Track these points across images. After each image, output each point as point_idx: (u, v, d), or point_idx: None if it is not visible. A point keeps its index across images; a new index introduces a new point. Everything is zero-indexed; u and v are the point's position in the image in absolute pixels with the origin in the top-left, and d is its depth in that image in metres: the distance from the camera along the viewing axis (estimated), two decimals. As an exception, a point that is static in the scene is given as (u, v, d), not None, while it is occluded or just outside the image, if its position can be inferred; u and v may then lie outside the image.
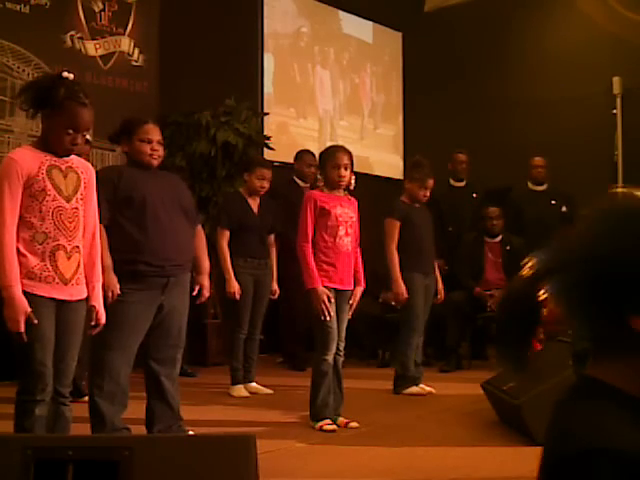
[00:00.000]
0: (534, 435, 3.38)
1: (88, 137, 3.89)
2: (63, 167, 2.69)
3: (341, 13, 8.41)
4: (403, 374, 5.02)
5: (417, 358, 5.11)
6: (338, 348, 3.99)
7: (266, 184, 5.11)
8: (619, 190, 1.02)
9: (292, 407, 4.40)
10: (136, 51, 6.42)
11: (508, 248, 6.30)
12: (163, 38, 6.53)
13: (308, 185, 5.99)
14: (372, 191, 7.12)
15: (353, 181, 4.08)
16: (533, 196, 6.76)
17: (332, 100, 8.35)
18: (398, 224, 4.96)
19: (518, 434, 3.62)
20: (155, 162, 3.41)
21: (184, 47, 6.65)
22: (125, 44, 6.36)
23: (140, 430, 3.39)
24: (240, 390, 4.98)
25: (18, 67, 5.63)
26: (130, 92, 6.34)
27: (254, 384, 5.11)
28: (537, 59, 7.82)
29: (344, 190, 4.07)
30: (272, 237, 5.25)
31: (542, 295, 1.01)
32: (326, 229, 3.94)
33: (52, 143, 2.67)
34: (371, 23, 8.73)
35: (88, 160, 4.04)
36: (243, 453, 1.68)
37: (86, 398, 3.51)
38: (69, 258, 2.68)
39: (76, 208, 2.71)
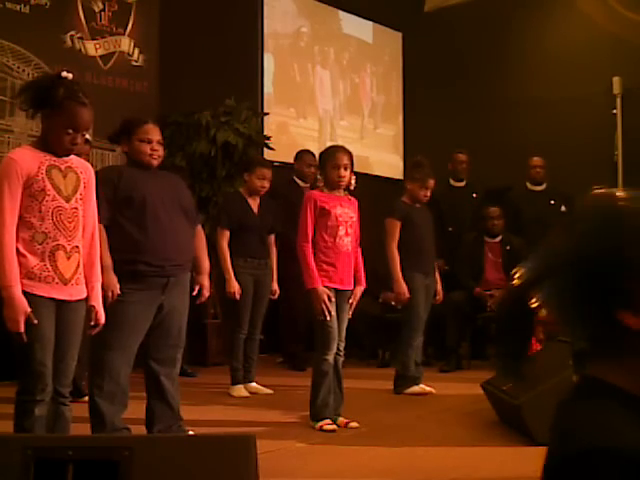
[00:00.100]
0: (534, 435, 3.38)
1: (88, 137, 3.89)
2: (62, 167, 2.69)
3: (341, 13, 8.41)
4: (404, 374, 5.02)
5: (417, 358, 5.11)
6: (338, 348, 3.99)
7: (266, 184, 5.11)
8: (599, 191, 1.04)
9: (292, 407, 4.40)
10: (136, 51, 6.42)
11: (508, 248, 6.30)
12: (163, 38, 6.53)
13: (308, 185, 5.99)
14: (372, 191, 7.12)
15: (353, 181, 4.08)
16: (532, 196, 6.76)
17: (332, 100, 8.35)
18: (399, 224, 4.96)
19: (518, 434, 3.62)
20: (155, 162, 3.41)
21: (184, 47, 6.65)
22: (125, 44, 6.36)
23: (140, 430, 3.39)
24: (240, 390, 4.98)
25: (18, 67, 5.63)
26: (130, 92, 6.34)
27: (254, 384, 5.11)
28: (537, 59, 7.82)
29: (344, 190, 4.07)
30: (272, 237, 5.24)
31: (534, 303, 1.02)
32: (326, 229, 3.95)
33: (52, 143, 2.67)
34: (371, 23, 8.73)
35: (88, 160, 4.05)
36: (243, 453, 1.68)
37: (86, 398, 3.51)
38: (69, 258, 2.68)
39: (75, 208, 2.71)
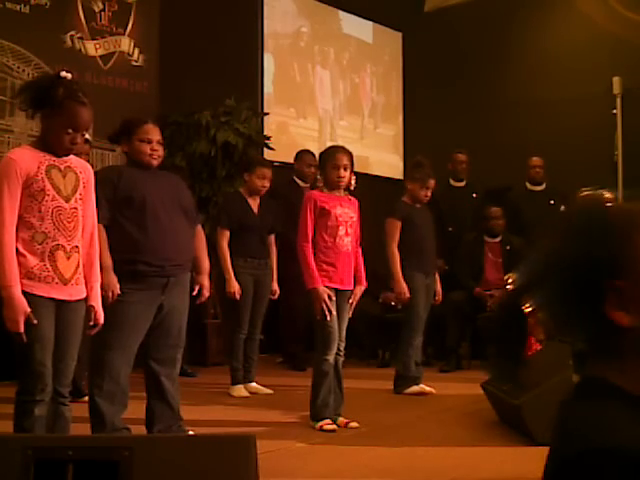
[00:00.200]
0: (534, 435, 3.38)
1: (88, 137, 3.89)
2: (62, 167, 2.69)
3: (341, 13, 8.41)
4: (404, 374, 5.02)
5: (417, 358, 5.11)
6: (338, 348, 3.99)
7: (267, 183, 5.11)
8: (587, 193, 1.05)
9: (292, 407, 4.40)
10: (136, 51, 6.42)
11: (508, 248, 6.30)
12: (163, 38, 6.53)
13: (308, 185, 5.99)
14: (372, 191, 7.12)
15: (353, 181, 4.08)
16: (532, 196, 6.76)
17: (332, 100, 8.35)
18: (399, 224, 4.96)
19: (518, 434, 3.62)
20: (155, 162, 3.41)
21: (184, 47, 6.65)
22: (125, 44, 6.36)
23: (140, 430, 3.39)
24: (240, 390, 4.98)
25: (18, 67, 5.63)
26: (130, 92, 6.34)
27: (254, 384, 5.11)
28: (537, 59, 7.81)
29: (344, 190, 4.07)
30: (272, 237, 5.24)
31: (528, 307, 1.03)
32: (326, 229, 3.95)
33: (51, 143, 2.67)
34: (371, 23, 8.73)
35: (88, 160, 4.05)
36: (243, 453, 1.68)
37: (86, 398, 3.51)
38: (68, 258, 2.68)
39: (75, 208, 2.70)
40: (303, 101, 8.04)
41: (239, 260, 4.99)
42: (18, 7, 5.64)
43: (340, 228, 3.96)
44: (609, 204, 0.99)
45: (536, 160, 6.84)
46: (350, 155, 4.02)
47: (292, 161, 6.44)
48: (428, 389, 5.00)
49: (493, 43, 8.02)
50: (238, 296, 4.92)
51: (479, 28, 8.08)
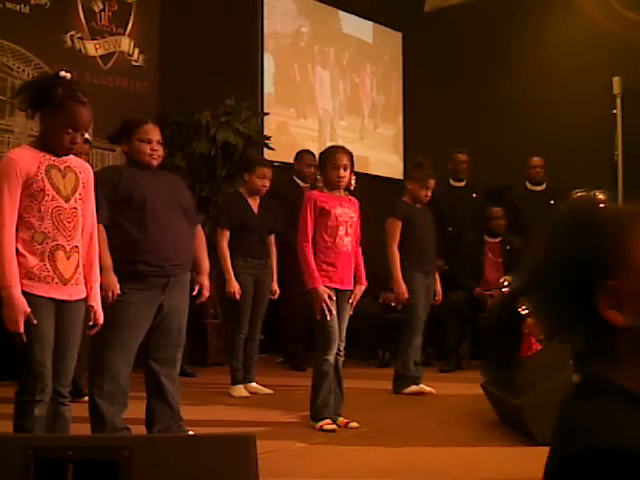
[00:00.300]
0: (534, 435, 3.38)
1: (87, 137, 3.88)
2: (62, 167, 2.69)
3: (341, 13, 8.41)
4: (403, 374, 5.02)
5: (417, 358, 5.12)
6: (338, 348, 3.99)
7: (267, 183, 5.11)
8: (580, 194, 1.06)
9: (292, 407, 4.40)
10: (136, 51, 6.42)
11: (508, 248, 6.30)
12: (163, 38, 6.53)
13: (308, 185, 5.99)
14: (372, 191, 7.12)
15: (353, 181, 4.08)
16: (532, 196, 6.75)
17: (332, 100, 8.35)
18: (400, 224, 4.96)
19: (518, 434, 3.62)
20: (155, 162, 3.41)
21: (184, 47, 6.65)
22: (125, 44, 6.36)
23: (140, 430, 3.39)
24: (240, 390, 4.98)
25: (18, 67, 5.63)
26: (130, 92, 6.34)
27: (254, 384, 5.11)
28: (537, 59, 7.81)
29: (345, 190, 4.07)
30: (272, 237, 5.24)
31: (523, 310, 1.03)
32: (326, 229, 3.94)
33: (51, 143, 2.67)
34: (371, 23, 8.72)
35: (88, 160, 4.05)
36: (243, 453, 1.68)
37: (86, 398, 3.51)
38: (68, 258, 2.68)
39: (75, 208, 2.70)
40: (303, 101, 8.04)
41: (239, 260, 4.99)
42: (18, 7, 5.64)
43: (340, 228, 3.96)
44: (601, 205, 0.99)
45: (537, 160, 6.84)
46: (350, 155, 4.02)
47: (292, 161, 6.44)
48: (428, 389, 5.01)
49: (493, 43, 8.02)
50: (238, 296, 4.92)
51: (479, 28, 8.08)
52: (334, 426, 3.87)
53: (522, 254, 5.85)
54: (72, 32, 5.99)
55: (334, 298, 3.93)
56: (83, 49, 6.07)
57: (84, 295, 2.77)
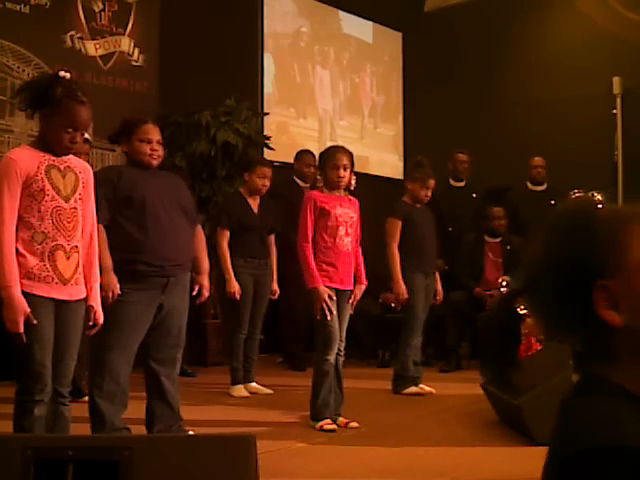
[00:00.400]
0: (534, 435, 3.38)
1: (87, 137, 3.88)
2: (61, 167, 2.69)
3: (341, 13, 8.41)
4: (402, 374, 5.02)
5: (416, 358, 5.12)
6: (339, 348, 3.99)
7: (267, 182, 5.11)
8: (578, 196, 1.06)
9: (292, 407, 4.40)
10: (136, 51, 6.42)
11: (508, 248, 6.30)
12: (163, 38, 6.53)
13: (308, 185, 6.00)
14: (372, 191, 7.12)
15: (353, 181, 4.08)
16: (533, 196, 6.75)
17: (332, 100, 8.35)
18: (400, 224, 4.97)
19: (518, 434, 3.62)
20: (155, 162, 3.41)
21: (184, 47, 6.65)
22: (125, 44, 6.36)
23: (140, 430, 3.39)
24: (240, 390, 4.98)
25: (18, 67, 5.63)
26: (130, 92, 6.34)
27: (254, 384, 5.11)
28: (537, 59, 7.81)
29: (345, 190, 4.07)
30: (272, 237, 5.24)
31: (521, 310, 1.03)
32: (326, 229, 3.94)
33: (51, 142, 2.67)
34: (371, 23, 8.72)
35: (88, 160, 4.05)
36: (243, 453, 1.68)
37: (86, 398, 3.51)
38: (68, 258, 2.68)
39: (75, 208, 2.70)
40: (303, 101, 8.04)
41: (239, 260, 4.99)
42: (18, 7, 5.64)
43: (340, 228, 3.96)
44: (598, 206, 1.00)
45: (538, 160, 6.84)
46: (350, 155, 4.02)
47: (292, 161, 6.44)
48: (428, 389, 5.01)
49: (493, 43, 8.02)
50: (238, 296, 4.92)
51: (479, 28, 8.08)
52: (334, 426, 3.87)
53: (522, 254, 5.85)
54: (72, 32, 5.99)
55: (334, 298, 3.93)
56: (83, 49, 6.07)
57: (84, 295, 2.77)
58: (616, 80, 7.35)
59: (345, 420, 3.96)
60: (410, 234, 4.96)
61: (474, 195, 6.93)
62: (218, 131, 6.23)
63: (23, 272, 2.58)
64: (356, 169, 4.12)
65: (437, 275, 5.29)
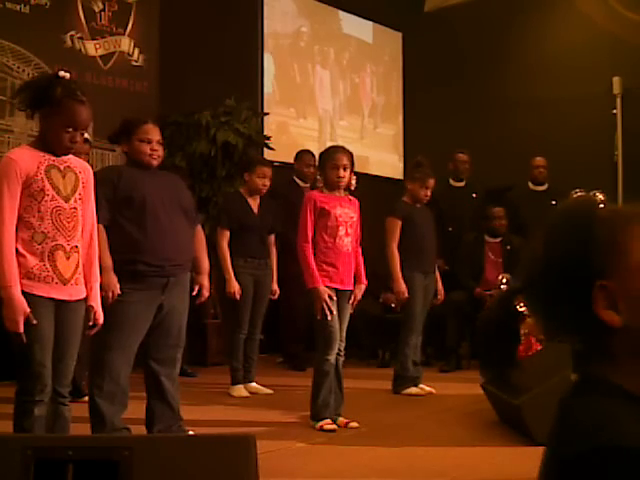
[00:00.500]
0: (534, 435, 3.38)
1: (87, 136, 3.87)
2: (61, 167, 2.69)
3: (341, 13, 8.41)
4: (402, 374, 5.02)
5: (416, 358, 5.12)
6: (339, 348, 3.99)
7: (267, 182, 5.11)
8: (578, 195, 1.05)
9: (292, 407, 4.40)
10: (136, 51, 6.42)
11: (509, 248, 6.30)
12: (163, 38, 6.53)
13: (308, 185, 6.00)
14: (372, 191, 7.12)
15: (354, 181, 4.08)
16: (534, 196, 6.75)
17: (332, 100, 8.35)
18: (399, 223, 4.97)
19: (518, 434, 3.62)
20: (155, 162, 3.41)
21: (184, 47, 6.65)
22: (125, 44, 6.36)
23: (140, 430, 3.39)
24: (240, 390, 4.98)
25: (18, 67, 5.63)
26: (130, 92, 6.34)
27: (254, 384, 5.11)
28: (537, 59, 7.81)
29: (345, 190, 4.07)
30: (272, 237, 5.24)
31: (521, 309, 1.03)
32: (326, 229, 3.94)
33: (51, 142, 2.67)
34: (371, 23, 8.73)
35: (88, 160, 4.05)
36: (243, 453, 1.68)
37: (86, 398, 3.51)
38: (68, 258, 2.68)
39: (75, 208, 2.70)
40: (303, 101, 8.04)
41: (239, 260, 4.99)
42: (18, 7, 5.64)
43: (340, 228, 3.96)
44: (600, 205, 0.99)
45: (540, 160, 6.83)
46: (350, 155, 4.02)
47: (292, 161, 6.44)
48: (428, 389, 5.01)
49: (493, 43, 8.02)
50: (238, 296, 4.92)
51: (479, 28, 8.08)
52: (334, 426, 3.87)
53: (522, 254, 5.85)
54: (72, 32, 5.99)
55: (334, 298, 3.93)
56: (83, 49, 6.07)
57: (84, 295, 2.77)
58: (616, 80, 7.36)
59: (345, 420, 3.96)
60: (410, 234, 4.97)
61: (474, 195, 6.93)
62: (218, 131, 6.23)
63: (23, 272, 2.58)
64: (356, 169, 4.12)
65: (437, 275, 5.29)
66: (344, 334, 4.03)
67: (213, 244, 4.81)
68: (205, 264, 3.70)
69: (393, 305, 5.36)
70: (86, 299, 2.78)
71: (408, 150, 8.69)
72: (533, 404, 3.45)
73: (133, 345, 3.32)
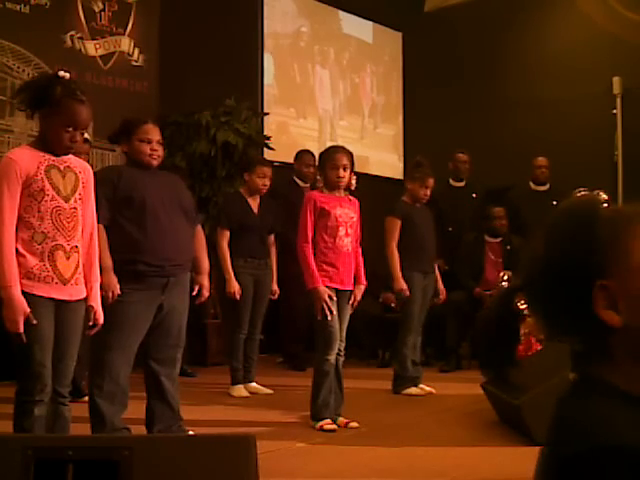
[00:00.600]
0: (534, 435, 3.38)
1: (87, 136, 3.87)
2: (61, 167, 2.69)
3: (341, 13, 8.41)
4: (401, 374, 5.03)
5: (416, 358, 5.12)
6: (339, 348, 3.99)
7: (267, 182, 5.11)
8: (582, 194, 1.05)
9: (292, 407, 4.40)
10: (136, 51, 6.42)
11: (509, 248, 6.30)
12: (163, 38, 6.53)
13: (308, 185, 6.00)
14: (372, 191, 7.12)
15: (354, 181, 4.08)
16: (535, 196, 6.74)
17: (332, 100, 8.35)
18: (399, 222, 4.97)
19: (518, 434, 3.62)
20: (155, 162, 3.41)
21: (184, 47, 6.65)
22: (125, 44, 6.36)
23: (140, 430, 3.39)
24: (240, 390, 4.98)
25: (18, 67, 5.63)
26: (130, 92, 6.34)
27: (254, 384, 5.11)
28: (537, 59, 7.81)
29: (345, 190, 4.07)
30: (272, 237, 5.25)
31: (522, 306, 1.03)
32: (326, 230, 3.94)
33: (51, 142, 2.67)
34: (371, 23, 8.73)
35: (88, 160, 4.05)
36: (243, 453, 1.68)
37: (86, 398, 3.51)
38: (68, 258, 2.68)
39: (74, 208, 2.70)
40: (303, 101, 8.04)
41: (239, 260, 4.99)
42: (18, 7, 5.64)
43: (340, 229, 3.96)
44: (604, 205, 0.99)
45: (542, 160, 6.83)
46: (350, 155, 4.02)
47: (292, 161, 6.44)
48: (428, 389, 5.01)
49: (493, 43, 8.02)
50: (238, 296, 4.92)
51: (479, 28, 8.08)
52: (334, 426, 3.87)
53: (522, 254, 5.85)
54: (72, 32, 5.99)
55: (334, 298, 3.93)
56: (83, 49, 6.07)
57: (84, 295, 2.77)
58: (616, 80, 7.36)
59: (345, 420, 3.96)
60: (409, 233, 4.97)
61: (474, 195, 6.93)
62: (218, 131, 6.23)
63: (23, 272, 2.58)
64: (356, 169, 4.12)
65: (438, 274, 5.29)
66: (344, 334, 4.03)
67: (213, 244, 4.81)
68: (205, 264, 3.70)
69: (393, 305, 5.36)
70: (86, 299, 2.78)
71: (408, 150, 8.69)
72: (533, 404, 3.45)
73: (133, 345, 3.32)
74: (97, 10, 6.16)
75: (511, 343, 1.05)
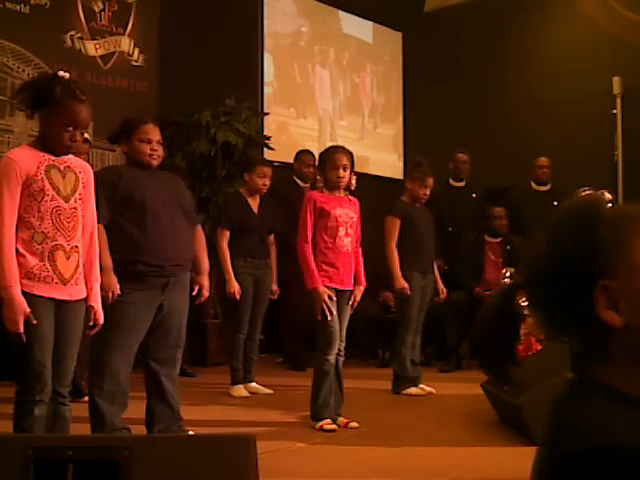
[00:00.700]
0: (534, 435, 3.38)
1: (87, 136, 3.87)
2: (61, 167, 2.69)
3: (341, 13, 8.41)
4: (401, 374, 5.03)
5: (415, 358, 5.12)
6: (339, 348, 3.99)
7: (267, 182, 5.11)
8: (586, 193, 1.05)
9: (292, 407, 4.40)
10: (136, 51, 6.42)
11: (509, 248, 6.30)
12: (163, 38, 6.53)
13: (308, 185, 6.00)
14: (372, 191, 7.12)
15: (354, 181, 4.08)
16: (536, 196, 6.74)
17: (332, 100, 8.35)
18: (398, 222, 4.97)
19: (518, 434, 3.62)
20: (155, 162, 3.41)
21: (184, 47, 6.65)
22: (125, 44, 6.36)
23: (140, 430, 3.39)
24: (240, 390, 4.98)
25: (18, 67, 5.63)
26: (130, 92, 6.34)
27: (254, 384, 5.11)
28: (537, 59, 7.81)
29: (345, 190, 4.06)
30: (272, 237, 5.25)
31: (522, 304, 1.03)
32: (326, 230, 3.94)
33: (51, 141, 2.67)
34: (371, 23, 8.73)
35: (88, 160, 4.05)
36: (243, 453, 1.68)
37: (86, 398, 3.51)
38: (68, 258, 2.68)
39: (74, 208, 2.70)
40: (303, 101, 8.04)
41: (239, 260, 4.99)
42: (18, 7, 5.64)
43: (340, 229, 3.96)
44: (608, 205, 0.99)
45: (543, 160, 6.83)
46: (350, 155, 4.01)
47: (292, 161, 6.44)
48: (428, 389, 5.01)
49: (493, 43, 8.02)
50: (238, 296, 4.92)
51: (479, 28, 8.08)
52: (334, 426, 3.87)
53: (523, 254, 5.84)
54: (72, 32, 5.99)
55: (334, 298, 3.93)
56: (83, 49, 6.07)
57: (84, 295, 2.77)
58: (616, 80, 7.36)
59: (345, 420, 3.96)
60: (409, 233, 4.97)
61: (474, 195, 6.93)
62: (218, 131, 6.23)
63: (23, 272, 2.58)
64: (356, 169, 4.12)
65: (437, 274, 5.29)
66: (344, 334, 4.03)
67: (213, 244, 4.81)
68: (205, 264, 3.70)
69: (392, 304, 5.36)
70: (86, 299, 2.78)
71: (408, 150, 8.69)
72: (533, 404, 3.44)
73: (133, 345, 3.32)
74: (97, 10, 6.16)
75: (511, 340, 1.05)
